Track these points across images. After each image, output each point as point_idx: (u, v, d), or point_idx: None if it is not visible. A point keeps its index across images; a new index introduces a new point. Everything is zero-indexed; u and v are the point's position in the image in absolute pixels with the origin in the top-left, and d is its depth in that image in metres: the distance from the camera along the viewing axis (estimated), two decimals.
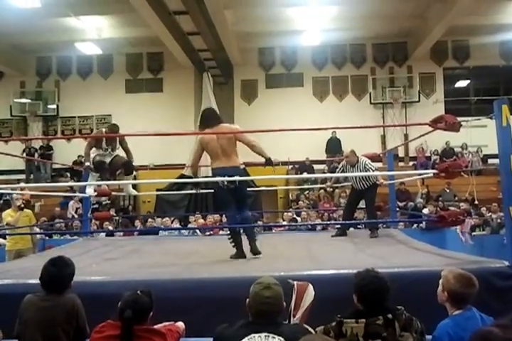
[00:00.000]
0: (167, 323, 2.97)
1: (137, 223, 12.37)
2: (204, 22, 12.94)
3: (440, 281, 2.94)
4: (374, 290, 2.62)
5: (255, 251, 5.16)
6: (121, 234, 10.71)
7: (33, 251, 7.90)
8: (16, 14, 12.75)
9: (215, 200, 5.63)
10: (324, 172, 14.78)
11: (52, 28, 14.46)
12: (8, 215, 7.85)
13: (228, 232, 5.39)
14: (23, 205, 7.82)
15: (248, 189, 12.41)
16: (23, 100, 17.40)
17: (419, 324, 2.65)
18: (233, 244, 5.24)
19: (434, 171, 5.03)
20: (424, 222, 11.32)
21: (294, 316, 2.81)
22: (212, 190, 5.57)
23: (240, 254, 5.19)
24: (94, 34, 14.83)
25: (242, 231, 5.32)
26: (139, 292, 2.74)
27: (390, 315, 2.56)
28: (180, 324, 2.99)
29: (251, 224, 5.36)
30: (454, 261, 4.24)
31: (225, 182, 5.20)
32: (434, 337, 2.76)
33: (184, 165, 13.20)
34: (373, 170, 7.07)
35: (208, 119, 5.40)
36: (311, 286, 2.93)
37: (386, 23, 15.28)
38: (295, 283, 2.94)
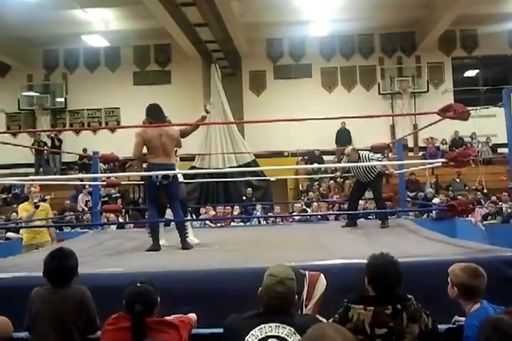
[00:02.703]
0: (178, 315, 2.96)
1: (147, 215, 12.38)
2: (211, 13, 12.89)
3: (448, 278, 2.90)
4: (384, 273, 2.62)
5: (184, 247, 5.33)
6: (132, 226, 10.73)
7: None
8: (22, 7, 12.77)
9: (145, 194, 5.77)
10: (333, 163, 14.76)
11: (58, 20, 14.46)
12: (24, 210, 7.62)
13: (148, 226, 5.63)
14: (38, 203, 7.54)
15: (258, 178, 12.63)
16: (31, 93, 17.45)
17: (430, 320, 2.62)
18: (150, 236, 5.42)
19: (443, 160, 5.00)
20: (434, 212, 11.28)
21: (306, 306, 2.81)
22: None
23: (155, 247, 5.32)
24: (101, 26, 14.85)
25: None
26: (139, 284, 2.72)
27: (399, 306, 2.54)
28: (192, 315, 2.98)
29: (181, 219, 5.47)
30: (465, 250, 4.22)
31: (159, 178, 5.32)
32: (468, 337, 2.69)
33: (194, 156, 13.24)
34: (380, 161, 7.02)
35: (156, 113, 5.53)
36: (322, 276, 2.92)
37: (394, 12, 15.17)
38: (307, 273, 2.93)
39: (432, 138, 16.30)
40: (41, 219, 7.53)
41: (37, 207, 7.46)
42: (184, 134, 5.70)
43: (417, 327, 2.55)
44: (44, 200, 7.87)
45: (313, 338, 1.60)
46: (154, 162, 5.39)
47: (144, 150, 5.49)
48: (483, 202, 11.98)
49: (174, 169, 5.61)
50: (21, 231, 8.22)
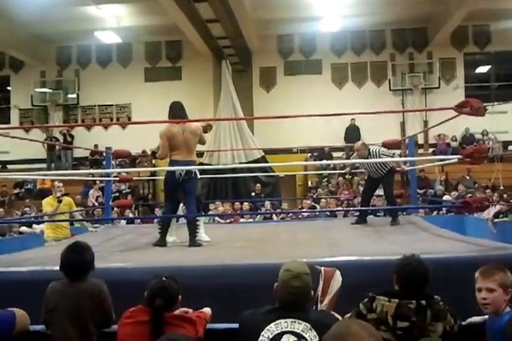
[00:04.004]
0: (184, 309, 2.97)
1: (157, 211, 12.46)
2: (223, 9, 12.90)
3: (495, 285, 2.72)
4: (410, 272, 2.66)
5: (192, 245, 5.32)
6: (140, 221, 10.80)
7: None
8: (36, 4, 12.83)
9: (164, 189, 5.82)
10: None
11: (71, 17, 14.53)
12: (48, 204, 7.54)
13: (159, 221, 5.70)
14: (61, 198, 7.47)
15: (267, 174, 12.67)
16: (44, 89, 17.54)
17: (457, 323, 2.65)
18: (159, 230, 5.47)
19: (459, 156, 4.93)
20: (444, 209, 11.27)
21: (321, 302, 2.82)
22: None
23: (161, 242, 5.41)
24: (113, 23, 14.91)
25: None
26: (164, 278, 2.74)
27: (423, 302, 2.57)
28: (207, 310, 2.99)
29: (193, 217, 5.48)
30: (478, 247, 4.20)
31: (182, 175, 5.35)
32: (502, 332, 2.61)
33: (203, 153, 13.26)
34: (391, 157, 6.97)
35: (177, 111, 5.56)
36: (338, 272, 2.92)
37: (406, 8, 15.08)
38: (322, 269, 2.94)
39: (442, 134, 16.23)
40: (64, 212, 7.49)
41: (60, 201, 7.42)
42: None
43: (441, 326, 2.56)
44: (66, 194, 7.85)
45: (338, 335, 1.57)
46: (177, 159, 5.42)
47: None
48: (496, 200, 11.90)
49: (195, 165, 5.69)
50: (43, 225, 8.19)
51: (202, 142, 5.69)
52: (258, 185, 13.91)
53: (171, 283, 2.73)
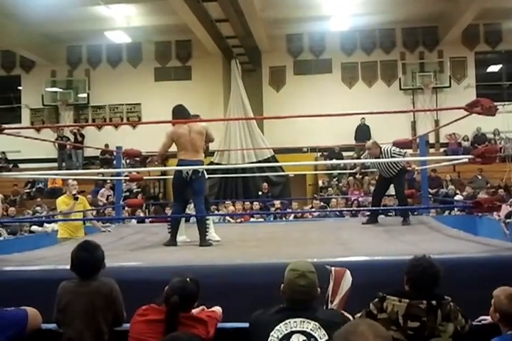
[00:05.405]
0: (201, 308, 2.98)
1: (167, 210, 12.48)
2: (232, 9, 12.93)
3: (492, 301, 2.80)
4: (421, 272, 2.67)
5: (203, 244, 5.33)
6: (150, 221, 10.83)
7: None
8: (46, 3, 12.89)
9: (172, 189, 5.86)
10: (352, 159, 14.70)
11: (82, 16, 14.60)
12: (63, 203, 7.32)
13: (170, 220, 5.77)
14: (77, 195, 7.28)
15: (276, 173, 12.69)
16: (55, 89, 17.66)
17: (468, 323, 2.66)
18: (169, 230, 5.55)
19: (470, 156, 4.89)
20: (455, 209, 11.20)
21: (331, 302, 2.82)
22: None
23: (171, 242, 5.46)
24: (123, 22, 14.95)
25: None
26: (188, 279, 2.76)
27: (434, 302, 2.57)
28: (218, 309, 3.00)
29: (203, 217, 5.49)
30: (489, 247, 4.18)
31: (189, 174, 5.42)
32: None
33: (213, 152, 13.29)
34: (403, 156, 6.88)
35: (179, 114, 5.60)
36: (348, 272, 2.92)
37: (416, 6, 15.02)
38: (332, 268, 2.94)
39: (454, 134, 16.14)
40: (79, 211, 7.30)
41: (76, 198, 7.22)
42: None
43: (452, 326, 2.57)
44: (82, 192, 7.71)
45: (344, 334, 1.58)
46: (184, 158, 5.48)
47: (173, 148, 5.61)
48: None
49: (202, 165, 5.70)
50: (57, 225, 8.13)
51: (210, 140, 5.77)
52: (265, 184, 13.91)
53: (191, 286, 2.75)
